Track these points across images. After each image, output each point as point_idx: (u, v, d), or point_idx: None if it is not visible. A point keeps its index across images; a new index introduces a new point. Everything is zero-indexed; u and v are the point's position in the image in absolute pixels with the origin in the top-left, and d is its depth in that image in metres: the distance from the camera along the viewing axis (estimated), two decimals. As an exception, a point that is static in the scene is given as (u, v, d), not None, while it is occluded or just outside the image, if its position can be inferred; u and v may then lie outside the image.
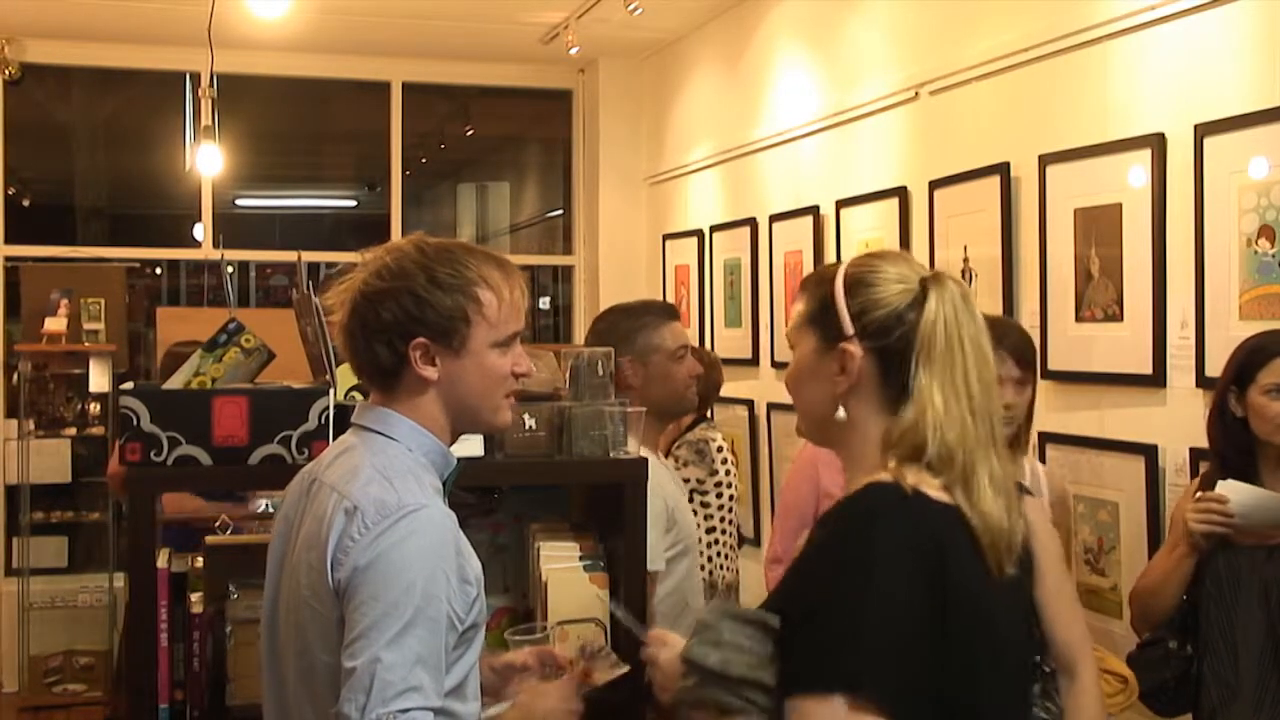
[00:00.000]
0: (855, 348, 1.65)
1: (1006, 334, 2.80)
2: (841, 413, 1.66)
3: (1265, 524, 2.71)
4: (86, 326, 6.67)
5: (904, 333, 1.63)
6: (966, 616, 1.53)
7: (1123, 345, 3.48)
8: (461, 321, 1.87)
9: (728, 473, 4.45)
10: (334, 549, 1.79)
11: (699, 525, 4.20)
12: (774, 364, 5.52)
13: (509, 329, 1.91)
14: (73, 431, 6.84)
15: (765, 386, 5.61)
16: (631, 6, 5.48)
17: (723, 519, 4.42)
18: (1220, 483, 2.75)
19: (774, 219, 5.52)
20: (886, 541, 1.52)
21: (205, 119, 6.47)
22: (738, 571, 4.55)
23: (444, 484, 1.93)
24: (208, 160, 6.30)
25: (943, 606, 1.51)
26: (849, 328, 1.65)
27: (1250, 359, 2.81)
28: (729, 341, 5.93)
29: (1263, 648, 2.70)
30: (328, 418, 2.35)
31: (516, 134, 9.14)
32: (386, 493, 1.80)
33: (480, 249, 1.95)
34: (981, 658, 1.56)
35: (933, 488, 1.58)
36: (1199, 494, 2.81)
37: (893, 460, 1.61)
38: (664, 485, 2.91)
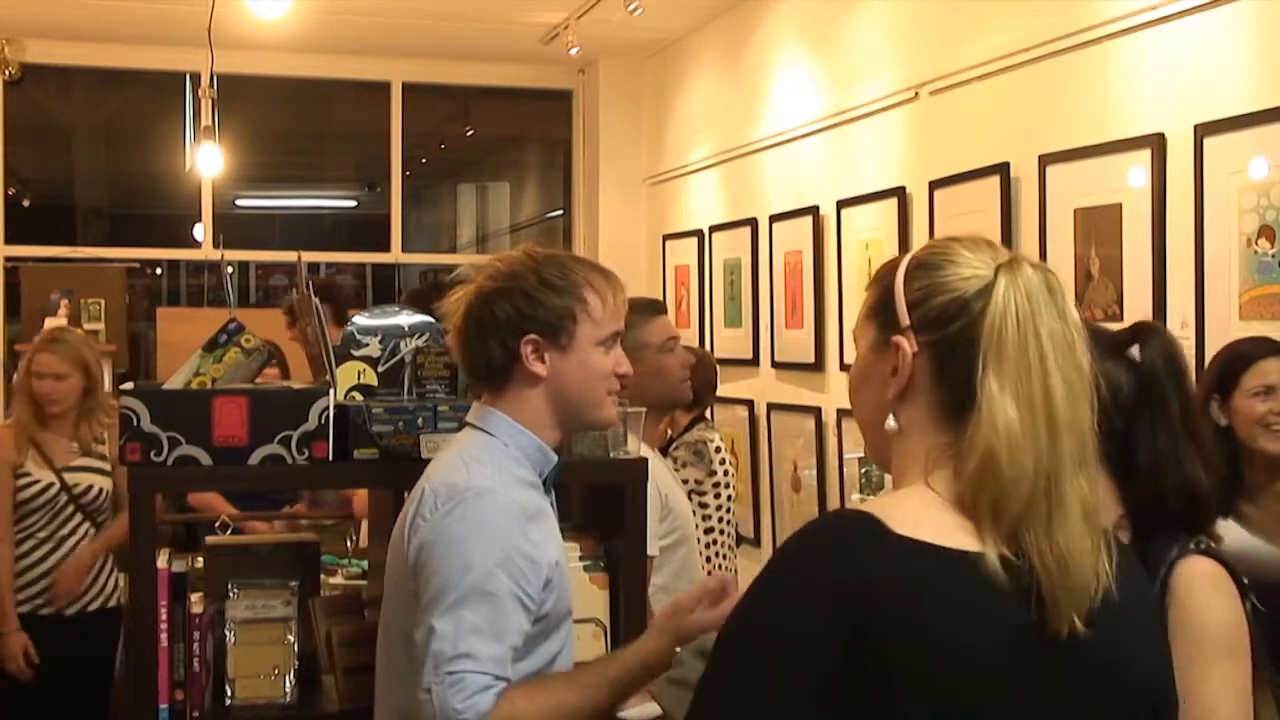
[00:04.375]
0: (908, 342, 1.34)
1: None
2: (891, 422, 1.36)
3: (1248, 571, 2.70)
4: (86, 326, 6.65)
5: (965, 325, 1.31)
6: (937, 693, 1.21)
7: (1123, 345, 3.47)
8: (569, 319, 1.98)
9: (726, 473, 4.45)
10: (409, 528, 1.93)
11: (697, 526, 4.20)
12: (774, 364, 5.52)
13: (610, 328, 2.03)
14: (73, 431, 6.83)
15: (765, 386, 5.61)
16: (631, 6, 5.47)
17: (721, 519, 4.42)
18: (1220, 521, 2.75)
19: (774, 219, 5.52)
20: (796, 578, 1.27)
21: (205, 119, 6.47)
22: (736, 572, 4.55)
23: (544, 480, 2.03)
24: (208, 160, 6.30)
25: (879, 672, 1.20)
26: (904, 318, 1.35)
27: (1231, 365, 2.83)
28: (729, 342, 5.92)
29: None
30: (328, 418, 2.35)
31: (516, 134, 9.14)
32: (459, 476, 1.93)
33: (582, 257, 2.09)
34: None
35: (936, 526, 1.27)
36: None
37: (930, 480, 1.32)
38: (658, 474, 2.95)
